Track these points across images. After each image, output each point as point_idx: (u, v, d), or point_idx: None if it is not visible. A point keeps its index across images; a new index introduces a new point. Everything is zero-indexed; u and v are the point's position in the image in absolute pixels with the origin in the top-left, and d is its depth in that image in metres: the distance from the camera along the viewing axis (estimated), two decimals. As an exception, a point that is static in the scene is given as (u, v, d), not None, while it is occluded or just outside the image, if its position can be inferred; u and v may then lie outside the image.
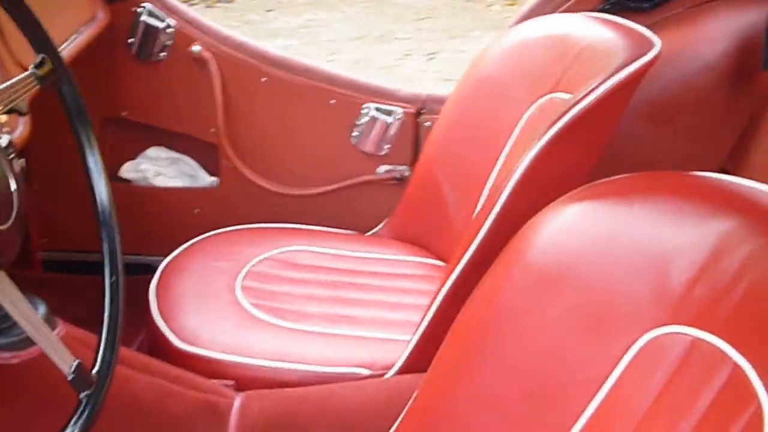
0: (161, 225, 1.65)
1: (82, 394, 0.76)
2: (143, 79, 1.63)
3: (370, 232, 1.60)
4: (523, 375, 0.87)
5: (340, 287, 1.39)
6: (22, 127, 1.13)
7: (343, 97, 1.57)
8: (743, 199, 0.79)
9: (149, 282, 1.36)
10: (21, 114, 1.05)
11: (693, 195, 0.83)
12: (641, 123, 1.41)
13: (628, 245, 0.83)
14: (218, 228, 1.51)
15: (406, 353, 1.18)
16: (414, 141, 1.60)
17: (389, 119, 1.57)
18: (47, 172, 1.60)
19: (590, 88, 1.13)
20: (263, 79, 1.57)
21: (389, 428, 0.98)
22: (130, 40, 1.60)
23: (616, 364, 0.80)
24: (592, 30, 1.30)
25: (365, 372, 1.18)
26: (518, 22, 1.48)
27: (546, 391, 0.85)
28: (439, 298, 1.16)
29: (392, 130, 1.58)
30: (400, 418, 0.96)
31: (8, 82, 0.90)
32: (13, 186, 0.79)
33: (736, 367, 0.70)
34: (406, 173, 1.61)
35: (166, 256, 1.41)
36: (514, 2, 5.33)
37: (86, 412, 0.75)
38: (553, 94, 1.33)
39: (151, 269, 1.41)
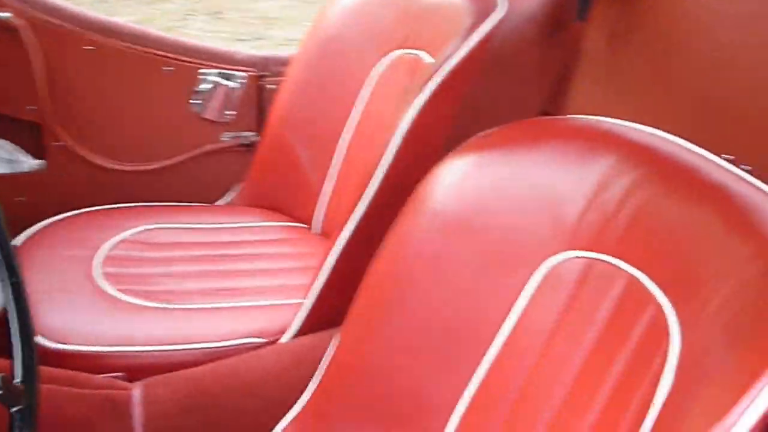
0: None
1: (14, 409, 0.72)
2: None
3: (221, 202, 1.59)
4: (436, 317, 0.95)
5: (208, 261, 1.38)
6: None
7: (179, 64, 1.53)
8: (617, 138, 0.91)
9: None
10: None
11: (574, 137, 0.94)
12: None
13: (522, 187, 0.93)
14: (51, 216, 1.42)
15: (302, 316, 1.21)
16: (258, 105, 1.59)
17: (231, 84, 1.55)
18: None
19: (453, 49, 1.21)
20: (88, 48, 1.47)
21: (302, 390, 1.01)
22: None
23: (520, 292, 0.90)
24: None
25: (259, 341, 1.20)
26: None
27: (459, 331, 0.94)
28: (333, 256, 1.19)
29: (235, 95, 1.56)
30: (318, 376, 1.00)
31: None
32: None
33: (631, 278, 0.82)
34: (254, 138, 1.61)
35: None
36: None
37: (24, 427, 0.71)
38: (402, 51, 1.39)
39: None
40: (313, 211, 1.52)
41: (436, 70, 1.19)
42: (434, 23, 1.32)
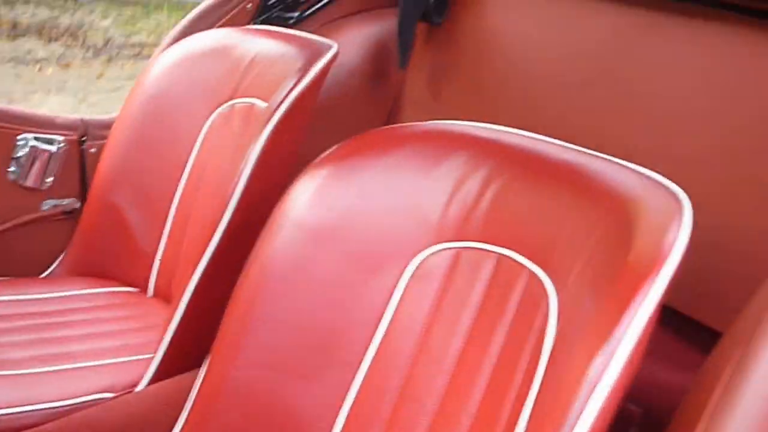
0: None
1: None
2: None
3: (44, 274, 1.56)
4: (305, 328, 1.01)
5: (39, 329, 1.35)
6: None
7: None
8: (466, 137, 1.05)
9: None
10: None
11: (426, 140, 1.06)
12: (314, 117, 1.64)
13: (380, 190, 1.04)
14: None
15: (157, 362, 1.22)
16: (80, 170, 1.60)
17: (51, 148, 1.56)
18: None
19: (287, 90, 1.32)
20: None
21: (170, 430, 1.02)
22: None
23: (392, 292, 0.99)
24: (260, 40, 1.51)
25: (111, 395, 1.19)
26: (175, 40, 1.62)
27: (331, 339, 1.00)
28: (185, 298, 1.23)
29: (55, 161, 1.57)
30: (187, 410, 1.02)
31: None
32: None
33: (500, 257, 0.95)
34: (76, 205, 1.61)
35: None
36: (68, 65, 5.31)
37: None
38: (235, 101, 1.49)
39: None
40: (145, 274, 1.53)
41: (273, 112, 1.29)
42: (266, 71, 1.43)
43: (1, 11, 6.97)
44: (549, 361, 0.83)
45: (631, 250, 0.79)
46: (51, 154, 1.56)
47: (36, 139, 1.55)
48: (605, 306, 0.79)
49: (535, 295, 0.89)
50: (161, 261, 1.52)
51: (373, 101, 1.67)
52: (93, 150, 1.60)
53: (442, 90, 1.59)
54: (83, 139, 1.60)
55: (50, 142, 1.56)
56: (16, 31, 6.19)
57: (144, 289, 1.53)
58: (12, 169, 1.54)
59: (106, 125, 1.60)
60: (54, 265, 1.57)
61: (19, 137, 1.53)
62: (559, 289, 0.87)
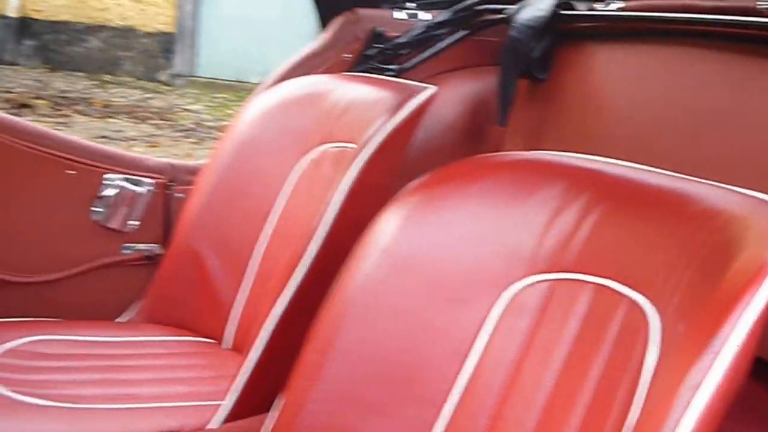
0: None
1: None
2: None
3: (120, 318, 1.62)
4: (382, 359, 1.02)
5: (110, 370, 1.40)
6: None
7: (82, 167, 1.60)
8: (561, 167, 1.07)
9: None
10: None
11: (519, 171, 1.09)
12: (397, 180, 1.69)
13: (474, 222, 1.06)
14: None
15: (225, 410, 1.24)
16: (165, 215, 1.67)
17: (138, 190, 1.64)
18: None
19: (377, 127, 1.37)
20: None
21: None
22: None
23: (481, 325, 0.99)
24: (357, 85, 1.57)
25: (181, 437, 1.21)
26: (270, 86, 1.70)
27: (410, 372, 1.01)
28: (259, 343, 1.25)
29: (140, 204, 1.64)
30: None
31: None
32: None
33: (598, 287, 0.95)
34: (158, 251, 1.67)
35: None
36: (156, 144, 5.58)
37: None
38: (327, 146, 1.55)
39: None
40: (223, 325, 1.57)
41: (361, 150, 1.34)
42: (360, 115, 1.49)
43: (94, 92, 7.42)
44: (648, 391, 0.82)
45: (733, 265, 0.80)
46: (137, 196, 1.63)
47: (124, 179, 1.63)
48: (705, 320, 0.79)
49: (634, 325, 0.88)
50: (240, 313, 1.56)
51: (468, 154, 1.71)
52: (179, 195, 1.67)
53: (542, 147, 1.61)
54: (171, 183, 1.68)
55: (138, 183, 1.64)
56: (108, 111, 6.56)
57: (220, 340, 1.57)
58: (97, 208, 1.62)
59: (195, 170, 1.68)
60: (131, 311, 1.62)
61: (105, 176, 1.62)
62: (663, 314, 0.86)
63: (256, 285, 1.55)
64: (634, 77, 1.57)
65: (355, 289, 1.05)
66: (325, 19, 1.80)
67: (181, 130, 6.13)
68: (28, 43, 8.68)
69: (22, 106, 6.37)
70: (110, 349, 1.47)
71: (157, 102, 7.23)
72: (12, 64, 8.49)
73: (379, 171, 1.37)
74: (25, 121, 1.60)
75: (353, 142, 1.48)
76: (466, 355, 0.99)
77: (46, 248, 1.60)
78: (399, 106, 1.40)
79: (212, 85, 7.95)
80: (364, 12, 1.79)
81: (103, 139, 5.58)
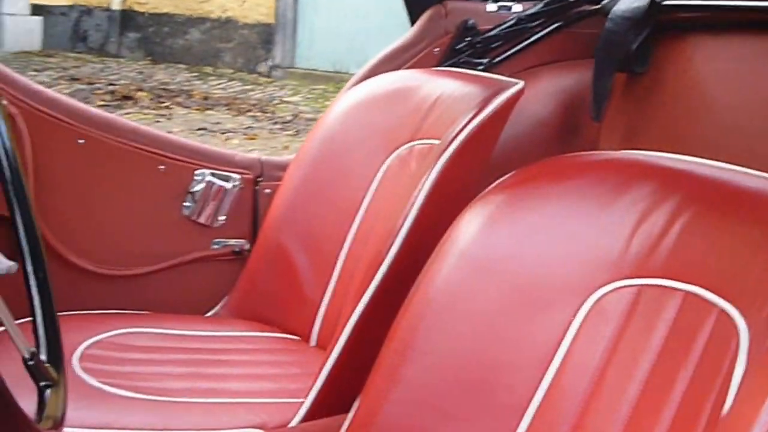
0: None
1: (42, 383, 0.79)
2: None
3: (209, 313, 1.66)
4: (466, 361, 1.02)
5: (197, 364, 1.44)
6: None
7: (173, 162, 1.66)
8: (651, 167, 1.04)
9: None
10: None
11: (606, 170, 1.07)
12: (483, 177, 1.68)
13: (555, 223, 1.05)
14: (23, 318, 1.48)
15: (305, 407, 1.27)
16: (253, 211, 1.71)
17: (226, 185, 1.68)
18: None
19: (463, 124, 1.37)
20: (80, 141, 1.60)
21: None
22: None
23: (565, 331, 0.98)
24: (445, 80, 1.57)
25: (260, 432, 1.24)
26: (358, 81, 1.72)
27: (489, 377, 1.01)
28: (341, 341, 1.27)
29: (229, 199, 1.69)
30: None
31: None
32: None
33: (687, 295, 0.93)
34: (246, 246, 1.71)
35: None
36: (254, 137, 5.69)
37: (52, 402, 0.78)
38: (415, 143, 1.55)
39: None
40: (309, 322, 1.59)
41: (446, 147, 1.34)
42: (448, 111, 1.49)
43: (194, 84, 7.63)
44: (733, 405, 0.80)
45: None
46: (226, 192, 1.68)
47: (212, 175, 1.67)
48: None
49: (724, 336, 0.86)
50: (327, 310, 1.58)
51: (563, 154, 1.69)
52: (267, 191, 1.71)
53: (639, 144, 1.58)
54: (259, 179, 1.71)
55: (226, 179, 1.68)
56: (207, 103, 6.73)
57: (307, 338, 1.60)
58: (187, 204, 1.67)
59: (283, 166, 1.71)
60: (219, 306, 1.67)
61: (197, 172, 1.67)
62: (751, 327, 0.83)
63: (341, 283, 1.57)
64: (743, 73, 1.52)
65: (434, 291, 1.06)
66: (414, 13, 1.81)
67: (279, 123, 6.24)
68: (131, 35, 8.98)
69: (125, 99, 6.60)
70: (198, 343, 1.51)
71: (256, 94, 7.38)
72: (116, 56, 8.81)
73: (463, 170, 1.37)
74: (118, 117, 1.67)
75: (439, 139, 1.48)
76: (548, 363, 0.99)
77: (138, 242, 1.66)
78: (485, 102, 1.40)
79: (311, 77, 8.06)
80: (454, 4, 1.79)
81: (202, 132, 5.74)
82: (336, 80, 7.64)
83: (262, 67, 8.43)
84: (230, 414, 1.28)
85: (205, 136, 5.63)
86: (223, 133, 5.75)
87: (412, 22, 1.82)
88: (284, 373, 1.46)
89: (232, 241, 1.71)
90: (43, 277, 0.91)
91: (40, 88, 1.60)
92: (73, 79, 7.21)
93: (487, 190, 1.11)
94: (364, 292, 1.31)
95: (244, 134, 5.76)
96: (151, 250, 1.66)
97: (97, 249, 1.62)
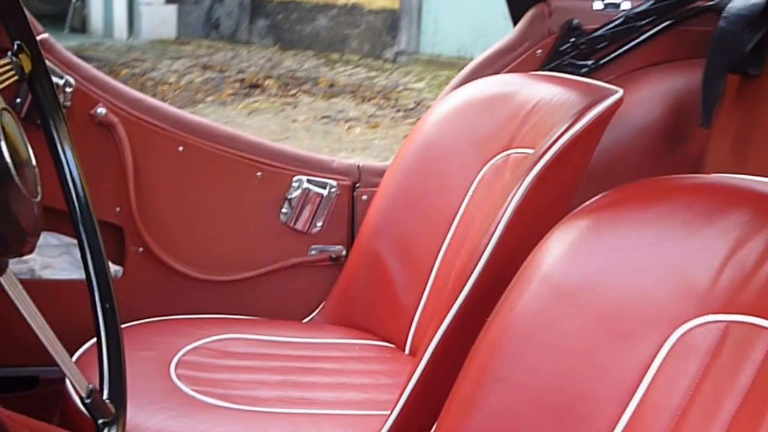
0: (56, 325, 1.64)
1: (100, 421, 0.81)
2: (32, 147, 1.64)
3: (306, 319, 1.68)
4: (544, 391, 0.98)
5: (290, 372, 1.46)
6: None
7: (271, 169, 1.68)
8: (749, 193, 0.98)
9: (48, 398, 1.37)
10: None
11: (699, 195, 1.01)
12: (583, 185, 1.63)
13: (642, 251, 0.99)
14: (124, 323, 1.54)
15: (389, 422, 1.26)
16: (350, 217, 1.72)
17: (323, 192, 1.69)
18: None
19: (557, 135, 1.32)
20: (180, 148, 1.63)
21: None
22: (17, 100, 1.57)
23: (648, 365, 0.94)
24: (544, 86, 1.53)
25: (346, 446, 1.25)
26: (457, 86, 1.69)
27: (567, 410, 0.97)
28: (427, 354, 1.26)
29: (326, 206, 1.70)
30: None
31: None
32: (32, 158, 0.85)
33: None
34: (342, 253, 1.72)
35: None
36: (376, 125, 5.72)
37: None
38: (510, 151, 1.52)
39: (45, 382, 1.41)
40: (404, 330, 1.59)
41: (538, 159, 1.29)
42: (546, 118, 1.44)
43: (321, 71, 7.73)
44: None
45: None
46: (323, 198, 1.69)
47: (309, 181, 1.68)
48: None
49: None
50: (420, 318, 1.57)
51: (668, 163, 1.62)
52: (365, 197, 1.71)
53: (750, 153, 1.49)
54: (356, 185, 1.72)
55: (324, 185, 1.69)
56: (332, 91, 6.82)
57: (401, 345, 1.59)
58: (284, 210, 1.69)
59: (380, 172, 1.71)
60: (316, 312, 1.69)
61: (294, 179, 1.68)
62: None
63: (435, 291, 1.56)
64: None
65: (513, 317, 1.03)
66: (516, 13, 1.76)
67: (402, 110, 6.26)
68: (261, 22, 9.19)
69: (253, 87, 6.76)
70: (292, 350, 1.53)
71: (381, 80, 7.42)
72: (247, 43, 9.03)
73: (556, 183, 1.33)
74: (216, 124, 1.70)
75: (534, 149, 1.44)
76: (629, 397, 0.95)
77: (237, 249, 1.69)
78: (583, 111, 1.35)
79: (435, 63, 8.04)
80: (558, 3, 1.73)
81: (326, 120, 5.82)
82: (460, 66, 7.60)
83: (388, 53, 8.47)
84: (318, 425, 1.29)
85: (329, 125, 5.71)
86: (346, 122, 5.81)
87: (515, 21, 1.78)
88: (375, 383, 1.46)
89: (330, 248, 1.72)
90: (111, 308, 0.93)
91: (141, 96, 1.64)
92: (205, 68, 7.44)
93: (572, 213, 1.07)
94: (452, 305, 1.29)
95: (367, 123, 5.81)
96: (250, 256, 1.69)
97: (196, 255, 1.67)
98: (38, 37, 1.60)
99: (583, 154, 1.35)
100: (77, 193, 0.99)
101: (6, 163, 0.77)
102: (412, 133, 1.69)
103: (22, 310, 0.78)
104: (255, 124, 5.63)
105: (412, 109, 6.29)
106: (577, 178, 1.37)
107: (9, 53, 0.99)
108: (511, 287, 1.05)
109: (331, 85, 7.05)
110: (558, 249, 1.04)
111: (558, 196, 1.34)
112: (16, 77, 0.98)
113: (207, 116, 5.73)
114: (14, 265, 1.68)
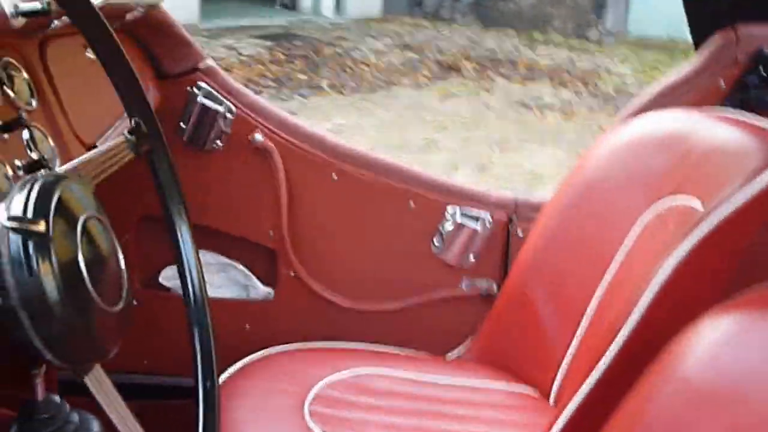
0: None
1: None
2: (193, 170, 1.68)
3: (450, 354, 1.64)
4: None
5: (424, 416, 1.42)
6: None
7: (423, 200, 1.64)
8: None
9: (190, 407, 1.39)
10: None
11: None
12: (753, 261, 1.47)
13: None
14: (270, 346, 1.55)
15: None
16: (504, 252, 1.65)
17: (477, 226, 1.63)
18: None
19: (727, 195, 1.19)
20: (333, 176, 1.64)
21: None
22: (181, 125, 1.65)
23: None
24: (723, 128, 1.38)
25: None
26: (628, 117, 1.57)
27: None
28: (569, 411, 1.19)
29: (479, 239, 1.64)
30: None
31: (99, 150, 0.98)
32: (122, 262, 0.85)
33: None
34: (494, 290, 1.66)
35: (207, 377, 1.44)
36: (571, 114, 5.54)
37: None
38: (674, 197, 1.39)
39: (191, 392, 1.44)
40: (550, 378, 1.51)
41: (705, 217, 1.17)
42: (717, 166, 1.31)
43: (521, 51, 7.58)
44: None
45: None
46: (476, 231, 1.63)
47: (463, 213, 1.63)
48: None
49: None
50: (569, 366, 1.49)
51: None
52: (520, 233, 1.63)
53: None
54: (512, 219, 1.64)
55: (477, 218, 1.63)
56: (530, 74, 6.67)
57: (546, 392, 1.52)
58: (436, 242, 1.64)
59: (538, 207, 1.62)
60: (461, 346, 1.64)
61: (448, 209, 1.63)
62: None
63: (586, 341, 1.47)
64: None
65: (643, 411, 0.94)
66: (698, 36, 1.61)
67: (602, 98, 6.03)
68: (465, 0, 9.11)
69: (450, 69, 6.73)
70: (430, 391, 1.49)
71: (582, 63, 7.18)
72: (449, 21, 8.99)
73: (724, 247, 1.20)
74: (370, 151, 1.67)
75: (702, 201, 1.32)
76: None
77: (386, 278, 1.67)
78: (761, 168, 1.21)
79: (643, 44, 7.68)
80: (748, 29, 1.56)
81: (519, 106, 5.69)
82: (670, 49, 7.20)
83: (593, 33, 8.17)
84: None
85: (522, 112, 5.59)
86: (539, 109, 5.67)
87: (696, 45, 1.63)
88: (513, 437, 1.40)
89: (480, 282, 1.67)
90: (212, 386, 0.92)
91: (297, 122, 1.66)
92: (405, 47, 7.48)
93: (728, 301, 0.96)
94: (601, 357, 1.21)
95: (562, 111, 5.64)
96: (398, 286, 1.66)
97: (345, 283, 1.66)
98: (202, 65, 1.65)
99: (754, 220, 1.21)
100: (193, 283, 0.99)
101: (80, 277, 0.76)
102: (574, 169, 1.59)
103: (109, 411, 0.78)
104: (446, 109, 5.61)
105: (612, 98, 6.04)
106: (750, 245, 1.23)
107: (126, 131, 1.00)
108: (646, 375, 0.96)
109: (530, 68, 6.89)
110: (708, 339, 0.93)
111: (725, 262, 1.21)
112: (130, 156, 0.99)
113: (399, 99, 5.78)
114: (170, 280, 1.75)
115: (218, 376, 1.40)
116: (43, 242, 0.71)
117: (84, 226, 0.78)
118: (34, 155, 1.07)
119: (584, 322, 1.49)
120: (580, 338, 1.48)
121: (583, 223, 1.53)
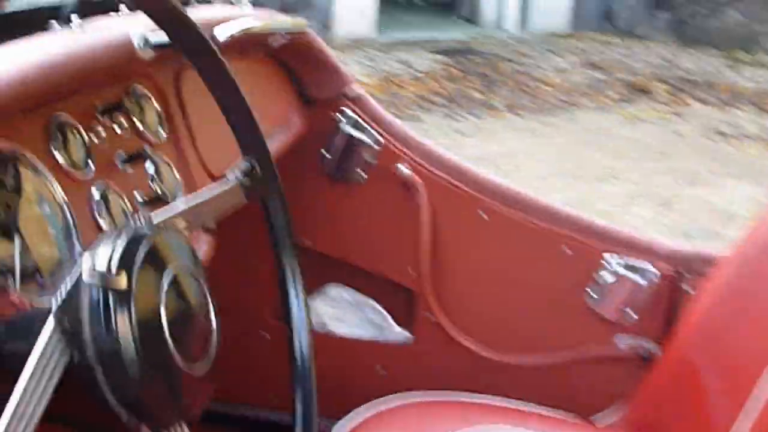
0: (333, 380, 1.67)
1: None
2: (335, 201, 1.68)
3: (597, 417, 1.55)
4: None
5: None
6: (205, 247, 1.20)
7: (579, 245, 1.56)
8: None
9: None
10: (206, 230, 1.14)
11: None
12: None
13: None
14: (404, 390, 1.51)
15: None
16: (669, 310, 1.55)
17: (639, 279, 1.54)
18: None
19: None
20: (481, 214, 1.59)
21: None
22: (324, 153, 1.65)
23: None
24: None
25: None
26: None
27: None
28: None
29: (641, 294, 1.54)
30: None
31: (209, 193, 0.97)
32: (213, 319, 0.84)
33: None
34: (654, 351, 1.56)
35: (333, 418, 1.42)
36: (771, 145, 5.23)
37: None
38: None
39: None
40: (716, 459, 1.40)
41: None
42: None
43: (722, 73, 7.22)
44: None
45: None
46: (638, 285, 1.54)
47: (623, 263, 1.54)
48: None
49: None
50: None
51: None
52: (689, 289, 1.52)
53: None
54: (681, 273, 1.54)
55: (640, 270, 1.54)
56: (730, 99, 6.34)
57: (706, 476, 1.40)
58: (591, 293, 1.56)
59: (713, 262, 1.51)
60: (609, 410, 1.55)
61: (606, 257, 1.55)
62: None
63: (754, 420, 1.35)
64: None
65: None
66: None
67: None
68: (663, 16, 8.80)
69: (640, 91, 6.50)
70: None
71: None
72: (643, 38, 8.70)
73: None
74: (522, 190, 1.60)
75: None
76: None
77: (532, 329, 1.60)
78: None
79: None
80: None
81: (718, 136, 5.42)
82: None
83: (807, 56, 7.69)
84: None
85: (717, 140, 5.31)
86: (739, 138, 5.37)
87: None
88: None
89: (640, 342, 1.57)
90: None
91: (445, 154, 1.62)
92: (593, 65, 7.29)
93: None
94: None
95: (766, 142, 5.31)
96: (545, 339, 1.60)
97: (487, 331, 1.61)
98: (349, 91, 1.64)
99: None
100: (301, 348, 0.98)
101: (160, 334, 0.75)
102: (757, 223, 1.47)
103: None
104: (631, 135, 5.41)
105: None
106: None
107: (236, 171, 0.99)
108: None
109: (731, 91, 6.55)
110: None
111: None
112: (242, 202, 0.98)
113: (580, 123, 5.63)
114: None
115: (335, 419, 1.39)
116: (123, 298, 0.71)
117: (172, 280, 0.77)
118: (157, 188, 1.09)
119: (751, 400, 1.37)
120: (747, 418, 1.37)
121: (761, 284, 1.41)
